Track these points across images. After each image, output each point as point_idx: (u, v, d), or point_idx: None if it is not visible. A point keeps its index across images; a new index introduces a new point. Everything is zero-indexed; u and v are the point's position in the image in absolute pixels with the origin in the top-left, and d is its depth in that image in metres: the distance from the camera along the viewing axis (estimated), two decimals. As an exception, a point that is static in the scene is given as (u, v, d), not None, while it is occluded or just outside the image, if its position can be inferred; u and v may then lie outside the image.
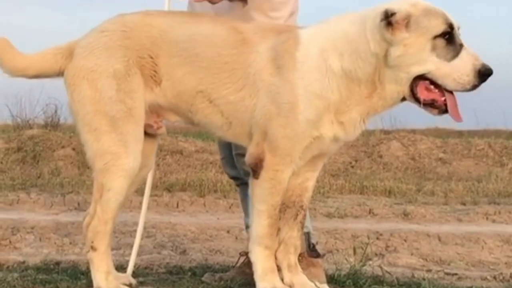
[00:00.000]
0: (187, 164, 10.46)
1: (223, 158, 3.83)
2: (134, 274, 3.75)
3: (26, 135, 11.36)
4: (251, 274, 3.25)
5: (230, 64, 3.15)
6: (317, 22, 3.21)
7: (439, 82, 2.95)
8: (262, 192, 3.15)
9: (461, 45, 2.93)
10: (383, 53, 2.96)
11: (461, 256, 5.10)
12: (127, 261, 3.97)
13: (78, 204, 7.36)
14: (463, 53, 2.93)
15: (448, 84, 2.95)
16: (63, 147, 10.82)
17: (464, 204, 7.97)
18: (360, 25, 3.02)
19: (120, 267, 3.85)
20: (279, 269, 3.28)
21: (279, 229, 3.25)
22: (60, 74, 3.32)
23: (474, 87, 2.94)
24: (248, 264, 3.34)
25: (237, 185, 3.89)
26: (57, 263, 4.41)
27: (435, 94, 2.98)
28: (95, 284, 3.22)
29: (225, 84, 3.16)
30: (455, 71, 2.92)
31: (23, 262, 4.48)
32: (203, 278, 3.70)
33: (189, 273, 3.98)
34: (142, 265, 4.34)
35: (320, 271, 3.53)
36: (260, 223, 3.17)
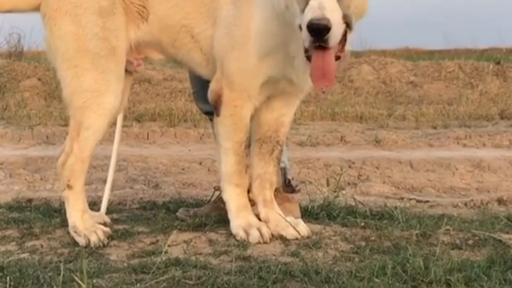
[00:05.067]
0: (155, 93, 10.32)
1: (195, 92, 3.75)
2: (108, 211, 3.74)
3: (-10, 66, 11.08)
4: (225, 209, 3.26)
5: None
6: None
7: None
8: (225, 129, 3.14)
9: None
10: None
11: (433, 183, 5.16)
12: (100, 197, 3.95)
13: (47, 137, 7.25)
14: (310, 2, 2.61)
15: (303, 39, 2.65)
16: (28, 77, 10.58)
17: (435, 128, 8.02)
18: None
19: (93, 204, 3.83)
20: (254, 204, 3.29)
21: (249, 165, 3.23)
22: (36, 9, 3.20)
23: (313, 44, 2.61)
24: (222, 199, 3.33)
25: (211, 120, 3.84)
26: (29, 201, 4.38)
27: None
28: (70, 223, 3.21)
29: (205, 18, 3.10)
30: (303, 24, 2.62)
31: (-6, 201, 4.43)
32: (177, 214, 3.69)
33: (163, 209, 3.98)
34: (115, 201, 4.32)
35: (295, 206, 3.54)
36: (227, 161, 3.16)
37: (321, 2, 2.59)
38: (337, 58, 2.75)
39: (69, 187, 3.21)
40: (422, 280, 2.60)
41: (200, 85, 3.61)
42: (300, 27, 2.68)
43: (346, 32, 2.73)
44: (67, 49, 3.12)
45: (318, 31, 2.57)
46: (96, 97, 3.11)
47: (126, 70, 3.27)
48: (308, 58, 2.74)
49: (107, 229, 3.25)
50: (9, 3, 3.23)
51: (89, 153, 3.20)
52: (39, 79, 10.49)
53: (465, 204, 4.47)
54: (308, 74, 2.83)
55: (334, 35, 2.61)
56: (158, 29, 3.19)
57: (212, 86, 3.14)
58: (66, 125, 7.37)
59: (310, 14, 2.57)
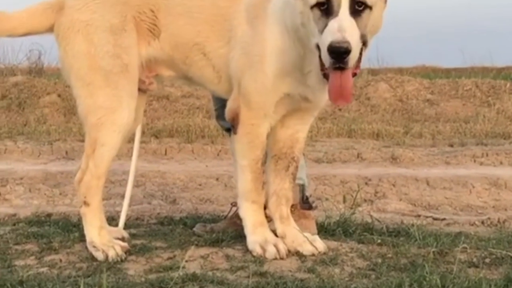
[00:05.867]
0: (173, 109, 10.40)
1: (217, 110, 3.79)
2: (126, 226, 3.77)
3: (10, 82, 11.21)
4: (242, 225, 3.27)
5: (224, 16, 3.13)
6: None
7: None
8: (241, 147, 3.16)
9: (336, 13, 2.66)
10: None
11: (449, 201, 5.15)
12: (118, 213, 3.98)
13: (66, 152, 7.32)
14: (329, 24, 2.65)
15: (323, 59, 2.71)
16: (48, 93, 10.70)
17: (451, 146, 7.99)
18: None
19: (111, 219, 3.86)
20: (271, 220, 3.31)
21: (265, 182, 3.26)
22: (51, 30, 3.25)
23: (332, 66, 2.65)
24: (239, 215, 3.35)
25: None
26: (48, 215, 4.43)
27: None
28: (88, 239, 3.23)
29: (218, 37, 3.13)
30: (322, 45, 2.68)
31: (14, 215, 4.50)
32: (194, 229, 3.72)
33: (180, 224, 4.01)
34: (133, 216, 4.36)
35: (312, 223, 3.56)
36: (244, 178, 3.18)
37: (341, 25, 2.62)
38: (353, 75, 2.79)
39: (86, 203, 3.23)
40: (438, 298, 2.60)
41: (221, 103, 3.66)
42: (318, 47, 2.72)
43: (362, 49, 2.77)
44: (80, 67, 3.15)
45: (339, 54, 2.61)
46: (109, 113, 3.15)
47: (139, 89, 3.29)
48: (325, 76, 2.78)
49: (124, 244, 3.27)
50: (24, 27, 3.26)
51: (105, 170, 3.23)
52: (59, 95, 10.61)
53: (482, 222, 4.46)
54: (323, 91, 2.89)
55: (354, 57, 2.65)
56: (170, 46, 3.22)
57: (229, 105, 3.17)
58: (85, 140, 7.47)
59: (330, 36, 2.61)
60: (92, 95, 3.15)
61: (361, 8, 2.70)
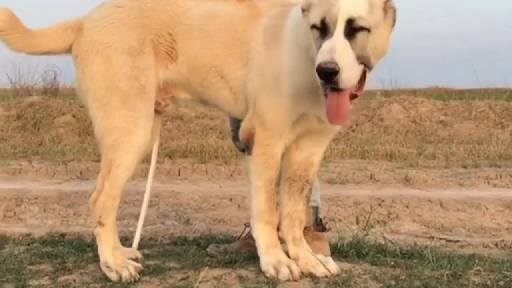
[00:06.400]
0: (187, 130, 10.46)
1: (233, 130, 3.81)
2: (139, 246, 3.78)
3: (26, 102, 11.34)
4: (255, 246, 3.27)
5: (241, 39, 3.16)
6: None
7: None
8: (256, 167, 3.17)
9: (331, 34, 2.68)
10: None
11: (463, 222, 5.13)
12: (131, 233, 4.00)
13: (80, 172, 7.38)
14: (322, 45, 2.68)
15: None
16: (63, 114, 10.81)
17: (465, 167, 7.98)
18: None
19: (125, 239, 3.88)
20: (284, 242, 3.32)
21: (279, 203, 3.27)
22: (68, 51, 3.28)
23: (324, 86, 2.70)
24: (252, 235, 3.36)
25: None
26: (62, 235, 4.45)
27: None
28: (102, 259, 3.24)
29: (235, 59, 3.16)
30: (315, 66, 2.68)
31: (29, 235, 4.52)
32: (208, 250, 3.73)
33: (194, 245, 4.02)
34: (147, 236, 4.38)
35: (325, 245, 3.56)
36: (258, 199, 3.19)
37: (332, 46, 2.65)
38: (354, 96, 2.82)
39: (101, 224, 3.25)
40: (452, 320, 2.60)
41: (237, 124, 3.68)
42: None
43: (366, 71, 2.78)
44: (98, 88, 3.18)
45: (327, 75, 2.63)
46: (126, 135, 3.16)
47: (155, 110, 3.31)
48: (326, 96, 2.81)
49: (138, 264, 3.28)
50: (47, 45, 3.28)
51: (120, 190, 3.24)
52: (73, 116, 10.71)
53: (496, 245, 4.44)
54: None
55: (345, 78, 2.65)
56: (187, 69, 3.25)
57: (244, 125, 3.19)
58: (99, 160, 7.44)
59: (320, 57, 2.64)
60: (108, 116, 3.17)
61: (357, 30, 2.71)
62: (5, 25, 3.18)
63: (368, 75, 2.81)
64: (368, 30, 2.73)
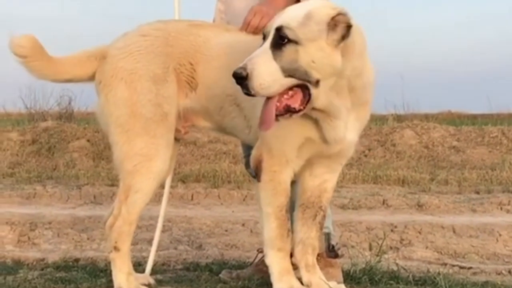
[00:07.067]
0: (200, 154, 10.51)
1: (245, 157, 3.84)
2: (152, 272, 3.79)
3: (41, 127, 11.45)
4: (268, 272, 3.27)
5: None
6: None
7: None
8: (265, 194, 3.18)
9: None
10: None
11: (476, 249, 5.11)
12: (144, 258, 4.02)
13: (94, 197, 7.42)
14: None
15: None
16: (77, 138, 10.90)
17: (478, 193, 7.96)
18: None
19: (137, 264, 3.90)
20: (296, 268, 3.32)
21: (291, 230, 3.28)
22: (90, 79, 3.33)
23: (242, 91, 2.79)
24: (265, 261, 3.37)
25: None
26: (76, 260, 4.47)
27: None
28: (116, 284, 3.26)
29: None
30: None
31: (43, 260, 4.55)
32: (220, 276, 3.74)
33: (206, 270, 4.03)
34: (160, 261, 4.39)
35: (338, 272, 3.56)
36: (269, 226, 3.19)
37: (254, 54, 2.75)
38: (294, 110, 2.83)
39: (116, 249, 3.26)
40: None
41: (249, 152, 3.71)
42: None
43: (308, 87, 2.79)
44: (121, 114, 3.21)
45: (236, 79, 2.73)
46: (146, 161, 3.19)
47: (174, 138, 3.34)
48: None
49: (152, 290, 3.31)
50: (69, 73, 3.33)
51: (137, 216, 3.26)
52: (88, 140, 10.80)
53: (509, 272, 4.41)
54: (336, 132, 2.99)
55: (256, 85, 2.71)
56: (206, 98, 3.30)
57: (253, 153, 3.22)
58: (113, 185, 7.60)
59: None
60: (130, 142, 3.20)
61: (283, 42, 2.75)
62: (28, 52, 3.23)
63: (314, 92, 2.81)
64: (296, 42, 2.75)
